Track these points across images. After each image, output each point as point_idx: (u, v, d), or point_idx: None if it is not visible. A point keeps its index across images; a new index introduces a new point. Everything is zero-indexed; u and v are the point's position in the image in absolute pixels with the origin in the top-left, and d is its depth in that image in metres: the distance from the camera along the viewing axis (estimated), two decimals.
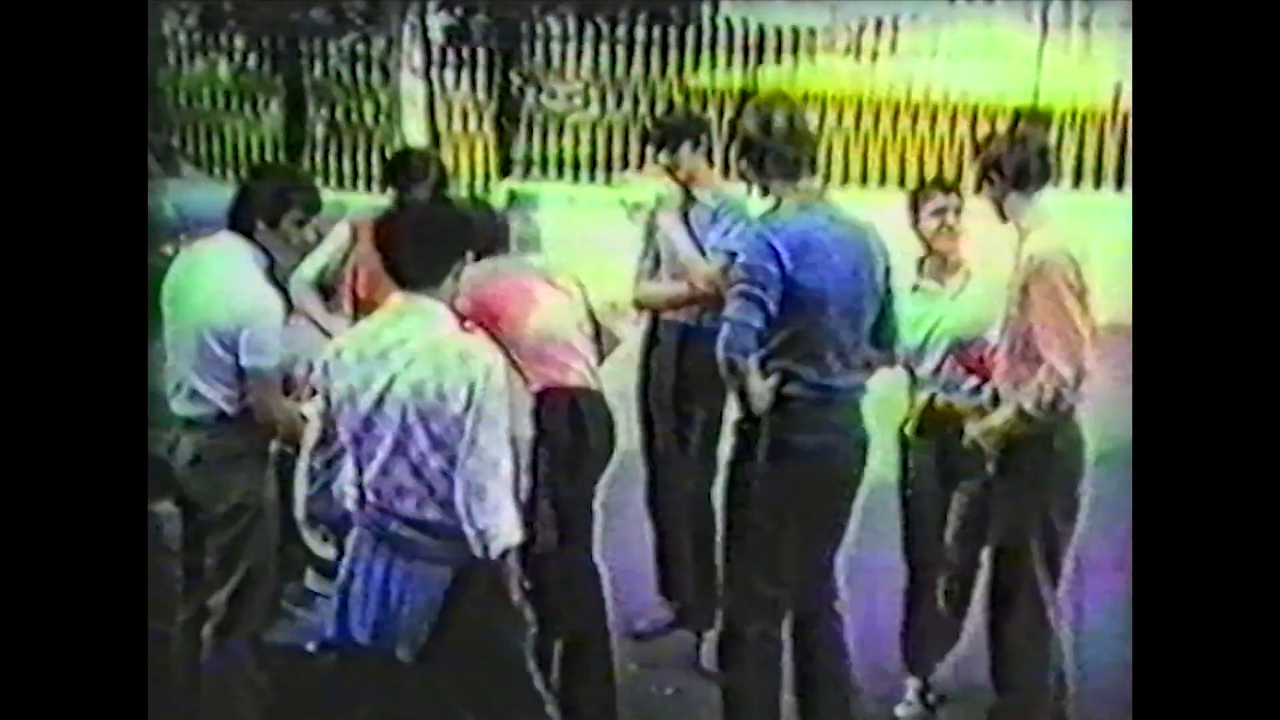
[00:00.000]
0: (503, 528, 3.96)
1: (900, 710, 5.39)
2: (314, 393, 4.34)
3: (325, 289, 5.73)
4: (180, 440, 4.67)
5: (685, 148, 5.48)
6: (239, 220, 4.65)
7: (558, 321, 4.92)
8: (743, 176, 4.76)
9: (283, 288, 4.71)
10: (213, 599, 4.65)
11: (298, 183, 4.88)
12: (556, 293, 5.00)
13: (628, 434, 5.64)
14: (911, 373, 5.26)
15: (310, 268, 5.64)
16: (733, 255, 4.70)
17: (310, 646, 4.61)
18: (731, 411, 4.81)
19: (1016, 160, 4.67)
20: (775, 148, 4.60)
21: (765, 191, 4.69)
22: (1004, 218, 4.74)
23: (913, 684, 5.42)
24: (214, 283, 4.59)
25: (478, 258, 4.50)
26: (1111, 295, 4.46)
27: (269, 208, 4.62)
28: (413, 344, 3.97)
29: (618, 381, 5.54)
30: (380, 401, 3.96)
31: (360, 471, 4.05)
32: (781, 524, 4.62)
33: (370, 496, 4.05)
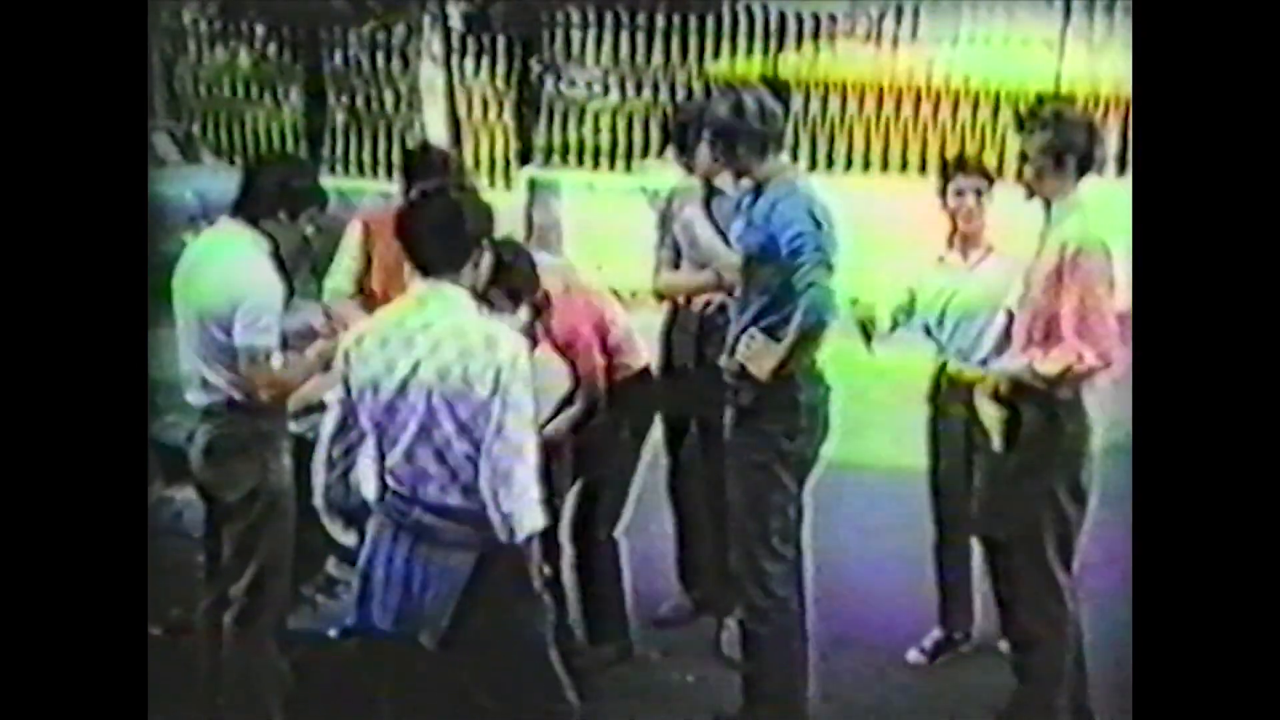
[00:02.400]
0: (528, 513, 3.98)
1: (911, 655, 5.57)
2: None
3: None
4: (196, 430, 4.68)
5: (701, 147, 5.41)
6: (243, 208, 4.65)
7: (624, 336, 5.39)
8: (715, 161, 4.90)
9: (286, 272, 4.69)
10: (233, 588, 4.66)
11: (303, 174, 4.84)
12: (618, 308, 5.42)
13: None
14: (932, 339, 5.47)
15: (342, 278, 5.65)
16: (782, 232, 4.72)
17: (332, 633, 4.62)
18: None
19: (1061, 142, 4.69)
20: (748, 129, 4.70)
21: (739, 174, 4.82)
22: (1034, 197, 4.77)
23: (934, 635, 5.56)
24: (214, 270, 4.60)
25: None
26: (1128, 280, 4.45)
27: (273, 198, 4.62)
28: (437, 329, 3.98)
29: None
30: (404, 387, 3.97)
31: (382, 458, 4.06)
32: (791, 479, 4.79)
33: (392, 483, 4.06)
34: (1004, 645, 5.30)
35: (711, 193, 5.44)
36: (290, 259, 4.68)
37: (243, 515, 4.60)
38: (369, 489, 4.12)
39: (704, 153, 5.26)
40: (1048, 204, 4.71)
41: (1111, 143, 11.97)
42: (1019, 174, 4.82)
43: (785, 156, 4.93)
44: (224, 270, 4.57)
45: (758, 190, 4.81)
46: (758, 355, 4.72)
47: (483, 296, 4.28)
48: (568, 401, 5.26)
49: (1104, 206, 4.74)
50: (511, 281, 4.81)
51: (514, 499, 3.93)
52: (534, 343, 4.75)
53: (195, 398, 4.63)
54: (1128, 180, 3.75)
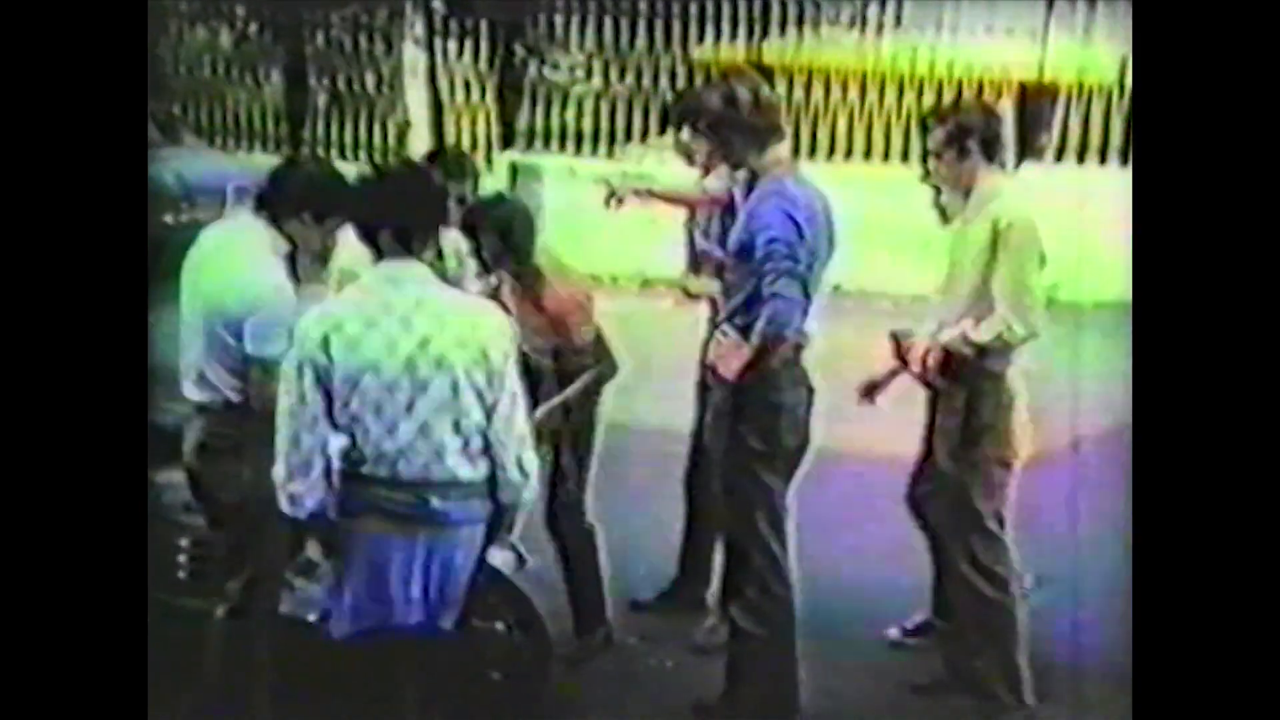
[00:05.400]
0: (537, 475, 4.19)
1: (892, 632, 5.64)
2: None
3: None
4: (190, 424, 4.64)
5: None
6: (268, 205, 4.57)
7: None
8: (711, 153, 4.87)
9: (298, 276, 4.64)
10: (227, 585, 4.63)
11: (334, 179, 4.72)
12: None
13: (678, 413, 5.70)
14: None
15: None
16: (760, 233, 4.67)
17: (311, 617, 4.60)
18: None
19: (960, 131, 4.83)
20: (741, 121, 4.67)
21: (736, 166, 4.78)
22: (958, 184, 4.92)
23: (918, 617, 5.60)
24: (226, 267, 4.53)
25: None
26: (1114, 270, 4.48)
27: (300, 198, 4.54)
28: (434, 304, 4.03)
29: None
30: (410, 364, 3.97)
31: (378, 443, 4.01)
32: (774, 478, 4.80)
33: (387, 471, 4.01)
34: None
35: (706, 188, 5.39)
36: (305, 263, 4.63)
37: (237, 518, 4.56)
38: (339, 463, 4.06)
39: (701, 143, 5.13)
40: (967, 191, 4.86)
41: (1095, 130, 12.02)
42: (926, 174, 5.01)
43: (784, 150, 4.87)
44: (238, 270, 4.49)
45: (751, 184, 4.76)
46: (726, 354, 4.71)
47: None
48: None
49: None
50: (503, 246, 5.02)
51: (529, 456, 4.10)
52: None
53: (191, 393, 4.58)
54: (1113, 167, 3.77)
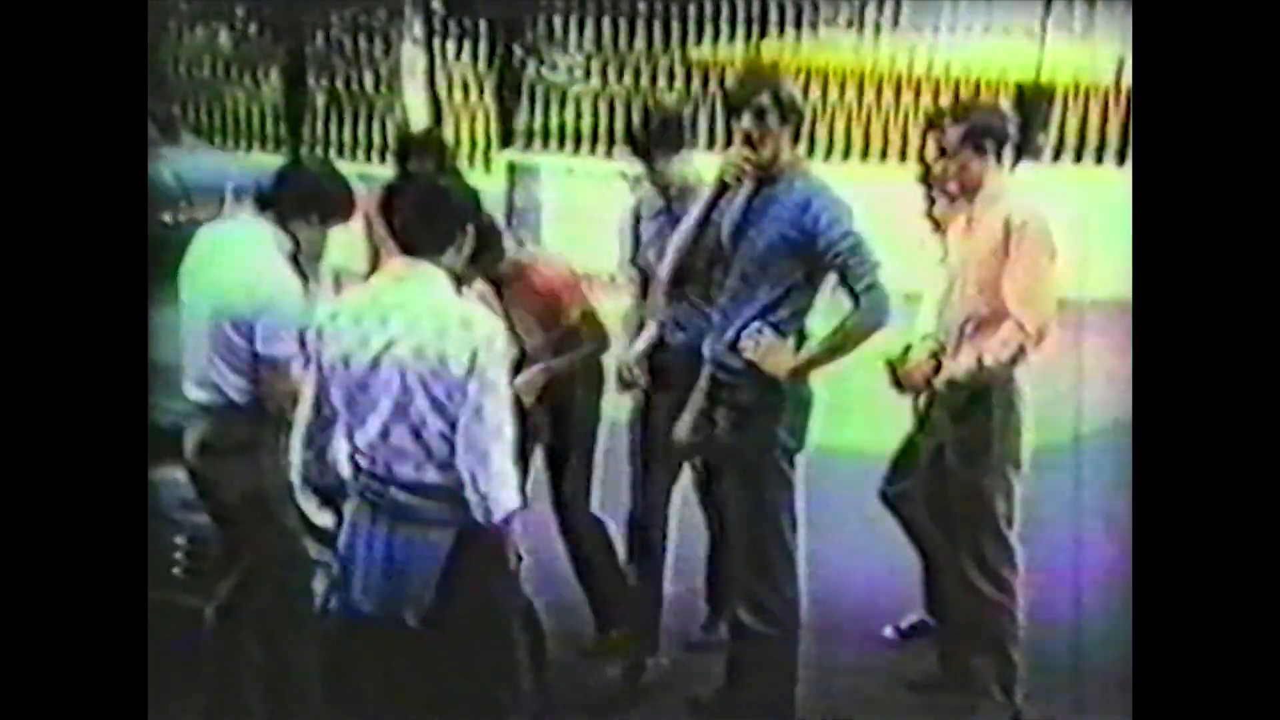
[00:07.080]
0: (505, 493, 3.99)
1: (887, 631, 5.67)
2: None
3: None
4: (191, 423, 4.63)
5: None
6: (274, 205, 4.57)
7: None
8: (749, 137, 4.84)
9: (303, 273, 4.64)
10: (220, 585, 4.63)
11: (337, 182, 4.74)
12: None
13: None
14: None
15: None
16: (827, 229, 4.65)
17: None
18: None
19: (977, 130, 4.83)
20: (800, 112, 4.77)
21: (773, 158, 4.79)
22: (965, 184, 4.88)
23: (912, 617, 5.63)
24: (233, 267, 4.52)
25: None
26: (1112, 269, 4.48)
27: (308, 199, 4.54)
28: (414, 308, 4.00)
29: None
30: (376, 362, 3.98)
31: (352, 435, 4.07)
32: (792, 474, 4.81)
33: (365, 463, 4.06)
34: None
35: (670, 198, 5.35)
36: (308, 262, 4.63)
37: (234, 518, 4.56)
38: (344, 467, 4.13)
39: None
40: (973, 191, 4.85)
41: (1092, 130, 12.03)
42: (926, 175, 4.98)
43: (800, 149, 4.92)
44: (246, 271, 4.48)
45: (760, 181, 4.72)
46: (772, 352, 4.64)
47: (458, 275, 4.27)
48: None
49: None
50: (481, 257, 4.78)
51: (491, 479, 3.95)
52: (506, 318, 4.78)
53: (193, 393, 4.58)
54: (1110, 167, 3.78)
